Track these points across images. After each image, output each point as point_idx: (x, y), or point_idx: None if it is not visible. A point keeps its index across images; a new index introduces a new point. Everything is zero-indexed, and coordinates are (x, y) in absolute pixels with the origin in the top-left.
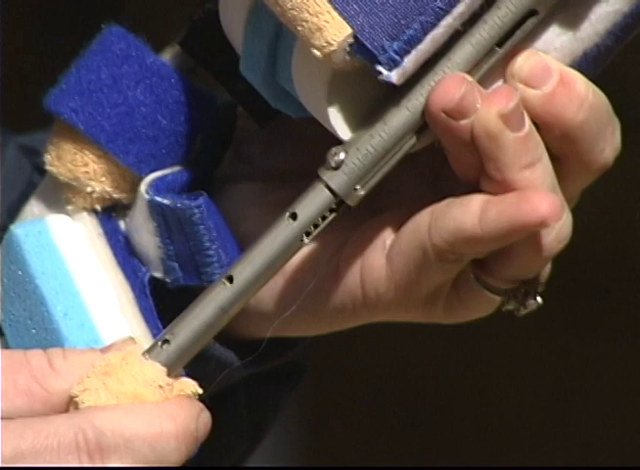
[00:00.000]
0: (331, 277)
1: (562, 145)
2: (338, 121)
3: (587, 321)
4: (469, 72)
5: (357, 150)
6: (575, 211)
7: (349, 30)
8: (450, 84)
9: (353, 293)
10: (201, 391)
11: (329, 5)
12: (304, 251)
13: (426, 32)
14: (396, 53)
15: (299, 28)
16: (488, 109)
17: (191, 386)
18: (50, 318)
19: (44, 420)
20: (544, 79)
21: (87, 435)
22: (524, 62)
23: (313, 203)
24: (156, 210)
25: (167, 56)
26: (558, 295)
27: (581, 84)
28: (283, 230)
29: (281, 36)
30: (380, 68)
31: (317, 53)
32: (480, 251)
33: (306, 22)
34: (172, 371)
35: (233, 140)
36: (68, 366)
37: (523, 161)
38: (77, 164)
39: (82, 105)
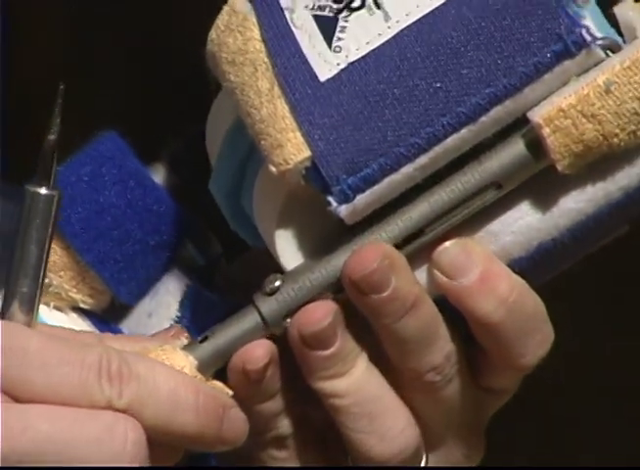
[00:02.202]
0: None
1: (479, 335)
2: (283, 248)
3: None
4: (421, 231)
5: (294, 281)
6: None
7: (308, 153)
8: (366, 255)
9: None
10: (231, 393)
11: (295, 124)
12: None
13: (384, 175)
14: (349, 188)
15: (263, 142)
16: (293, 324)
17: (221, 386)
18: None
19: (79, 342)
20: (462, 272)
21: (111, 359)
22: (445, 250)
23: (241, 323)
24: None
25: (157, 168)
26: None
27: (504, 285)
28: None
29: (251, 160)
30: (330, 198)
31: (273, 169)
32: None
33: (270, 136)
34: (205, 368)
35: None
36: (119, 343)
37: (322, 374)
38: None
39: None
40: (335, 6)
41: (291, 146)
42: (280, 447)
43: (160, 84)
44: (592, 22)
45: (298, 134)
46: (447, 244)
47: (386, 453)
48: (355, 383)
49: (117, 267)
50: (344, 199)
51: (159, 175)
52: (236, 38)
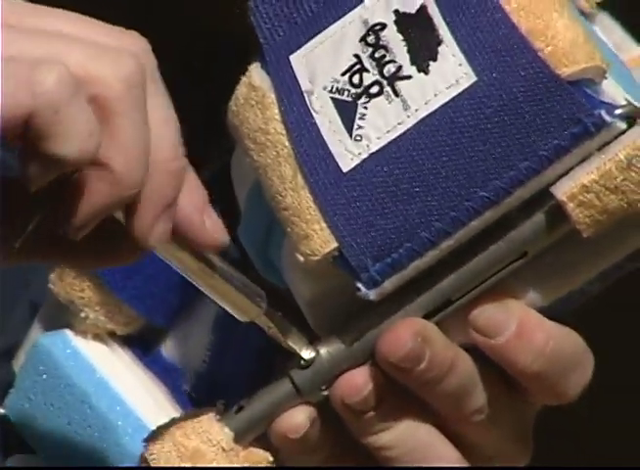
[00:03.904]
0: None
1: (521, 381)
2: (316, 317)
3: None
4: (450, 300)
5: (328, 354)
6: None
7: (335, 244)
8: (399, 336)
9: None
10: (271, 459)
11: (319, 215)
12: None
13: (411, 259)
14: (378, 273)
15: (289, 229)
16: (335, 394)
17: (260, 453)
18: (95, 413)
19: None
20: (498, 331)
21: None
22: (481, 312)
23: (275, 394)
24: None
25: None
26: None
27: (540, 336)
28: (230, 419)
29: (276, 222)
30: (359, 285)
31: (301, 258)
32: None
33: (296, 225)
34: (241, 439)
35: None
36: None
37: (369, 430)
38: (75, 287)
39: None
40: (353, 90)
41: (317, 237)
42: None
43: None
44: (614, 87)
45: (324, 225)
46: (483, 307)
47: None
48: (402, 434)
49: (152, 300)
50: (373, 284)
51: None
52: (256, 115)
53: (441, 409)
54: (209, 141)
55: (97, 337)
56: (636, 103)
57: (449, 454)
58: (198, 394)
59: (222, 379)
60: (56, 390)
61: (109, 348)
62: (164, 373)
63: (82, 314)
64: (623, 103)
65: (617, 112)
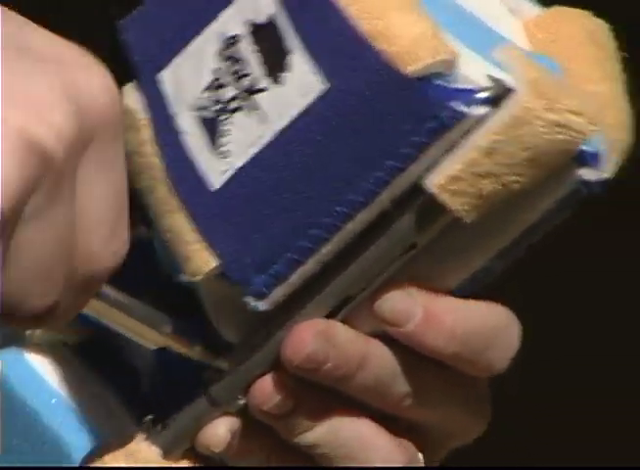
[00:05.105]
0: None
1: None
2: (223, 328)
3: None
4: (350, 297)
5: (239, 362)
6: None
7: (215, 263)
8: (300, 338)
9: None
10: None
11: (197, 236)
12: None
13: (293, 268)
14: (263, 285)
15: (173, 250)
16: (250, 403)
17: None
18: (48, 430)
19: None
20: (405, 318)
21: None
22: (384, 302)
23: (194, 409)
24: None
25: None
26: None
27: (449, 318)
28: (156, 437)
29: None
30: (247, 298)
31: (185, 278)
32: None
33: (177, 247)
34: (169, 454)
35: None
36: None
37: (293, 432)
38: None
39: None
40: (215, 107)
41: (198, 258)
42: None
43: None
44: (480, 69)
45: (202, 245)
46: (386, 296)
47: None
48: (328, 431)
49: None
50: (261, 296)
51: None
52: (132, 137)
53: (365, 401)
54: None
55: (50, 349)
56: (503, 78)
57: (383, 442)
58: (152, 400)
59: (173, 382)
60: (9, 408)
61: (63, 359)
62: (119, 379)
63: (28, 331)
64: (487, 85)
65: (479, 96)
